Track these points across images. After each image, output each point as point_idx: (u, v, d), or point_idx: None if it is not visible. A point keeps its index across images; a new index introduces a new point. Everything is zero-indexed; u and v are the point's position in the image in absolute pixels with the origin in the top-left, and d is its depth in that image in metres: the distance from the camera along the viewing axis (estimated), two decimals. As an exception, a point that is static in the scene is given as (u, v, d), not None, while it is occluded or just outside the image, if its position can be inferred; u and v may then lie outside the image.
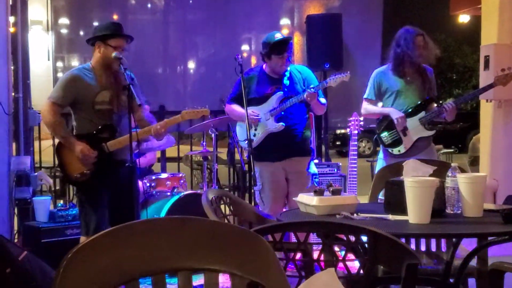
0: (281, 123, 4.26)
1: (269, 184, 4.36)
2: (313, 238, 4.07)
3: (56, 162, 4.22)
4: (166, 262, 1.34)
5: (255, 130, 4.35)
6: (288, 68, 4.36)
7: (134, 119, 4.00)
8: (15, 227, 5.30)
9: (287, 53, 4.27)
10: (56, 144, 4.00)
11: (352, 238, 2.01)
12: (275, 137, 4.29)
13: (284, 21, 7.50)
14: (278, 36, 4.29)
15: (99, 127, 3.86)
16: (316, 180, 4.41)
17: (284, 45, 4.27)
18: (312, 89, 4.08)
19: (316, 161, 4.92)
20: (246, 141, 4.31)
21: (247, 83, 4.40)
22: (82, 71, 3.89)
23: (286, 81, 4.33)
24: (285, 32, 7.33)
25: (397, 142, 4.56)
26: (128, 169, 3.85)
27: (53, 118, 3.83)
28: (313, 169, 4.42)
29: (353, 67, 7.06)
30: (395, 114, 4.51)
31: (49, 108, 3.84)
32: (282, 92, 4.29)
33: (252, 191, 6.50)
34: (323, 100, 4.31)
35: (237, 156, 6.45)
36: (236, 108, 4.41)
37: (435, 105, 4.69)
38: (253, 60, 7.46)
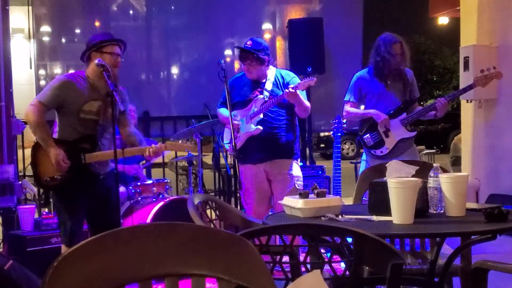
0: (259, 126, 4.30)
1: (252, 185, 4.41)
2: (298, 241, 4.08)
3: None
4: (153, 268, 1.35)
5: (238, 132, 4.41)
6: (273, 73, 4.40)
7: (121, 135, 3.98)
8: (0, 236, 5.25)
9: (247, 63, 4.32)
10: (33, 143, 3.94)
11: (338, 240, 2.03)
12: (257, 140, 4.33)
13: (266, 26, 7.54)
14: (248, 43, 4.36)
15: (81, 136, 3.83)
16: (299, 182, 4.42)
17: (242, 54, 4.34)
18: (291, 89, 4.12)
19: (300, 163, 4.94)
20: (230, 144, 4.41)
21: (234, 87, 4.47)
22: (76, 78, 3.85)
23: (268, 85, 4.37)
24: (267, 36, 7.37)
25: (379, 144, 4.61)
26: (109, 178, 3.83)
27: (36, 117, 3.77)
28: (296, 171, 4.43)
29: (335, 70, 7.12)
30: (378, 116, 4.56)
31: (34, 107, 3.78)
32: (262, 96, 4.32)
33: (238, 194, 6.53)
34: (306, 102, 4.33)
35: (222, 161, 6.45)
36: (223, 112, 4.51)
37: (417, 106, 4.75)
38: (236, 65, 7.47)
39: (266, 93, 4.33)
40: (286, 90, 4.15)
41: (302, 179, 4.48)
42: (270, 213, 4.27)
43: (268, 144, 4.32)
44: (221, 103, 4.55)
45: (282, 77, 4.39)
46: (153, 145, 3.85)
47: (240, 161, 4.36)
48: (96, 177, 3.88)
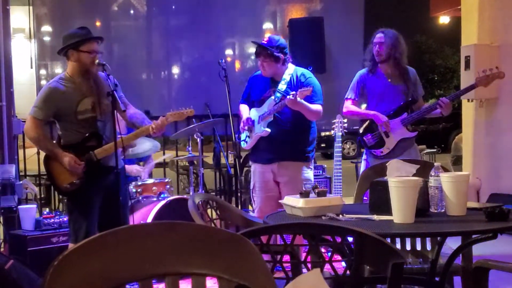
0: (267, 129, 4.29)
1: (259, 184, 4.42)
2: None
3: (43, 171, 4.17)
4: (153, 267, 1.35)
5: (250, 132, 4.45)
6: (291, 72, 4.36)
7: (122, 118, 3.97)
8: (1, 236, 5.26)
9: (261, 59, 4.30)
10: (44, 155, 3.95)
11: (338, 239, 2.03)
12: (266, 141, 4.34)
13: (267, 25, 7.54)
14: (264, 40, 4.36)
15: (85, 135, 3.84)
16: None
17: (257, 50, 4.34)
18: (291, 96, 4.09)
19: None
20: (243, 142, 4.49)
21: (252, 85, 4.50)
22: (59, 82, 3.83)
23: (282, 86, 4.32)
24: (267, 36, 7.36)
25: (379, 144, 4.60)
26: (115, 175, 3.84)
27: (35, 133, 3.79)
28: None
29: (335, 70, 7.11)
30: (378, 118, 4.54)
31: (31, 123, 3.79)
32: (273, 97, 4.30)
33: (239, 194, 6.53)
34: (314, 106, 4.25)
35: (223, 160, 6.46)
36: (242, 109, 4.55)
37: (423, 104, 4.73)
38: (237, 65, 7.48)
39: (278, 94, 4.31)
40: (288, 96, 4.12)
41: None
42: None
43: (276, 145, 4.31)
44: (243, 99, 4.58)
45: (297, 78, 4.33)
46: (154, 121, 3.85)
47: (251, 158, 4.48)
48: (111, 171, 3.87)
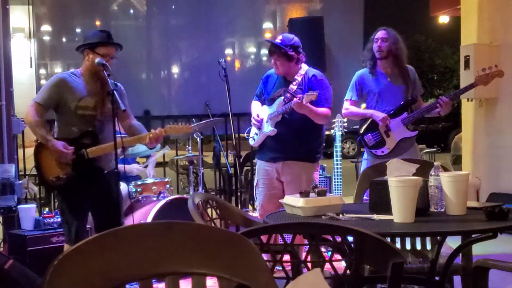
0: (273, 128, 4.31)
1: (263, 181, 4.44)
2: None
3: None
4: (153, 267, 1.34)
5: (258, 129, 4.47)
6: (303, 73, 4.35)
7: (122, 127, 3.99)
8: (0, 236, 5.26)
9: (274, 57, 4.31)
10: (35, 146, 3.95)
11: (338, 239, 2.03)
12: (273, 140, 4.36)
13: (267, 25, 7.54)
14: (278, 39, 4.36)
15: (81, 132, 3.85)
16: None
17: (270, 48, 4.35)
18: (297, 99, 4.09)
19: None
20: (251, 138, 4.52)
21: (265, 82, 4.51)
22: (70, 75, 3.90)
23: (293, 86, 4.32)
24: (267, 36, 7.37)
25: (380, 144, 4.60)
26: (111, 175, 3.84)
27: (34, 118, 3.81)
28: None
29: (335, 69, 7.11)
30: (378, 115, 4.55)
31: (32, 108, 3.83)
32: (282, 97, 4.31)
33: (239, 194, 6.52)
34: (321, 110, 4.25)
35: (223, 160, 6.46)
36: (253, 107, 4.57)
37: (422, 103, 4.73)
38: (237, 64, 7.48)
39: (288, 95, 4.30)
40: (294, 99, 4.12)
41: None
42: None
43: (283, 145, 4.32)
44: (256, 96, 4.59)
45: (309, 79, 4.32)
46: (152, 131, 3.87)
47: (257, 155, 4.52)
48: (100, 172, 3.88)
